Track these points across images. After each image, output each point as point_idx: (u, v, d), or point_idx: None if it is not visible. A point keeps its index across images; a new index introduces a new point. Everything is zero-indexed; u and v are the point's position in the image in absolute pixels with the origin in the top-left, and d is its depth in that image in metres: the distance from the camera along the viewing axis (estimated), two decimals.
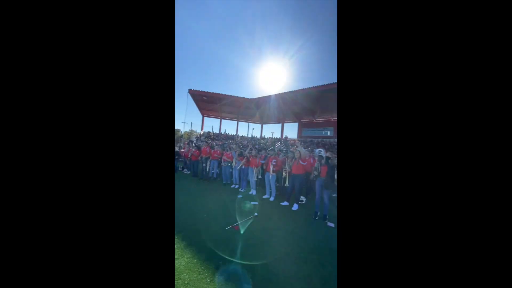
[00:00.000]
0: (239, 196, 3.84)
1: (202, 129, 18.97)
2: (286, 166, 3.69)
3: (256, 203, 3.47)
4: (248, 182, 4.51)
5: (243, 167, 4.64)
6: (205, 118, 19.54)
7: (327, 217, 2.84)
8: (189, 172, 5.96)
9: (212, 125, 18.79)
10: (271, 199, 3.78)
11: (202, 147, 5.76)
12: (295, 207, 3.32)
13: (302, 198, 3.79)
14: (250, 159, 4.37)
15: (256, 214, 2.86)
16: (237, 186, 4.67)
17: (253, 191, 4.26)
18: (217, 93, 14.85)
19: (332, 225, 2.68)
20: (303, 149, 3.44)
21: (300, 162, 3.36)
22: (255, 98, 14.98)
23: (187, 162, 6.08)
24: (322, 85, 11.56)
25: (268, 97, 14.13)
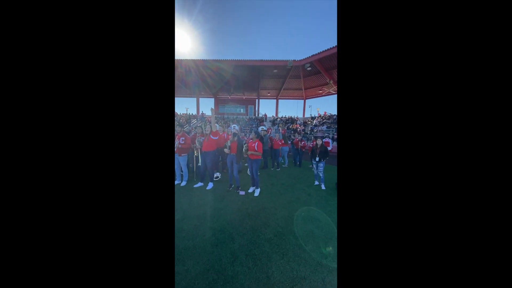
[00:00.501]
0: None
1: None
2: (196, 143, 3.23)
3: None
4: None
5: None
6: None
7: (239, 187, 3.00)
8: None
9: None
10: (183, 183, 3.24)
11: None
12: (209, 186, 3.12)
13: (217, 174, 3.68)
14: None
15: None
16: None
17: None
18: None
19: (243, 193, 2.87)
20: (215, 123, 3.09)
21: (211, 137, 3.04)
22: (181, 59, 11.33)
23: None
24: (237, 59, 11.38)
25: (186, 61, 11.35)
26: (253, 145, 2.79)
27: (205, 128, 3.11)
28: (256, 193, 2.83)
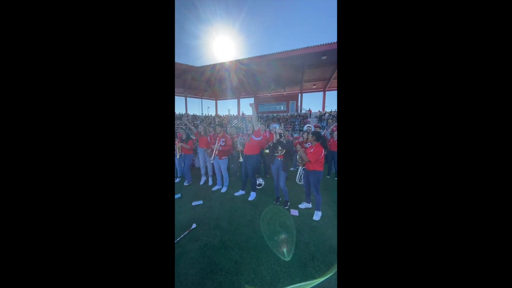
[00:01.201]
0: (177, 195, 2.73)
1: None
2: (238, 145, 2.79)
3: (200, 202, 2.51)
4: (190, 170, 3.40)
5: (182, 153, 3.41)
6: None
7: (288, 203, 2.30)
8: None
9: None
10: (223, 189, 2.91)
11: None
12: (252, 196, 2.62)
13: (260, 181, 3.14)
14: (199, 138, 3.18)
15: (194, 225, 1.92)
16: (177, 180, 3.48)
17: (207, 178, 3.26)
18: None
19: (295, 213, 2.16)
20: (257, 121, 2.50)
21: (253, 137, 2.49)
22: (202, 67, 12.39)
23: None
24: (276, 52, 10.62)
25: (220, 64, 11.95)
26: (310, 150, 2.00)
27: (246, 128, 2.59)
28: (316, 217, 2.04)
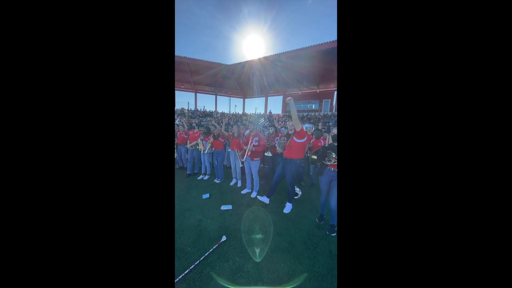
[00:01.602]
0: (205, 195, 2.57)
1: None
2: (277, 146, 2.41)
3: (229, 207, 2.26)
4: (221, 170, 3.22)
5: (213, 149, 3.27)
6: (176, 91, 16.48)
7: (335, 229, 1.78)
8: None
9: (187, 101, 15.56)
10: (253, 194, 2.61)
11: None
12: (287, 208, 2.22)
13: (297, 190, 2.70)
14: (231, 140, 3.01)
15: (224, 238, 1.65)
16: (206, 177, 3.38)
17: (237, 181, 3.06)
18: (185, 57, 11.86)
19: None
20: (298, 120, 2.02)
21: (295, 139, 2.05)
22: (233, 64, 12.50)
23: None
24: (310, 46, 9.74)
25: (250, 62, 11.82)
26: None
27: (289, 128, 2.17)
28: None
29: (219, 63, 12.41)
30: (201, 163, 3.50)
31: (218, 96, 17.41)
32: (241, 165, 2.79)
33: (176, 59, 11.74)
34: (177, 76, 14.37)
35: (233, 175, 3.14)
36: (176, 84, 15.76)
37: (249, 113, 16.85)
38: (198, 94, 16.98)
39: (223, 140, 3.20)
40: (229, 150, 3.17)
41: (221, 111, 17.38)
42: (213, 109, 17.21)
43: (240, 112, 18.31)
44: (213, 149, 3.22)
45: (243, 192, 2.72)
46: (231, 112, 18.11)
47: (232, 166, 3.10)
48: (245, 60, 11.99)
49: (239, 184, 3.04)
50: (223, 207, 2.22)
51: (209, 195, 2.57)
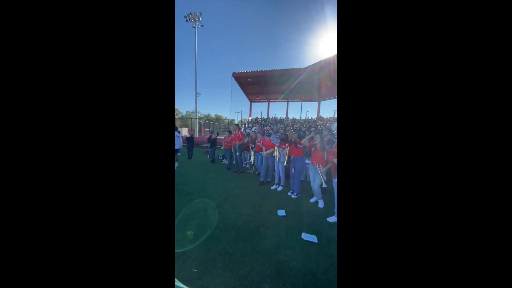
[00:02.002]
0: (280, 212, 2.18)
1: (250, 115, 18.26)
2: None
3: (314, 238, 1.68)
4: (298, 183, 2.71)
5: (291, 157, 2.87)
6: (252, 104, 18.71)
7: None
8: (227, 162, 5.03)
9: (261, 111, 17.22)
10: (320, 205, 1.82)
11: (234, 133, 4.47)
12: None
13: None
14: (313, 152, 2.55)
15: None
16: (280, 188, 3.03)
17: (317, 201, 2.48)
18: (262, 70, 13.04)
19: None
20: None
21: None
22: (307, 67, 11.76)
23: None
24: None
25: (325, 60, 10.50)
26: None
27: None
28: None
29: (294, 68, 12.26)
30: (274, 171, 3.24)
31: (289, 103, 17.31)
32: (324, 185, 2.13)
33: (255, 73, 13.29)
34: (255, 89, 16.19)
35: (315, 194, 2.50)
36: (252, 96, 17.90)
37: (325, 117, 14.88)
38: (270, 103, 18.09)
39: (301, 146, 2.70)
40: (307, 161, 2.61)
41: (292, 117, 17.04)
42: (284, 116, 17.30)
43: (314, 117, 16.72)
44: (292, 157, 2.81)
45: (330, 220, 2.01)
46: (302, 118, 17.14)
47: (312, 184, 2.48)
48: (320, 60, 10.83)
49: (320, 205, 2.36)
50: (305, 237, 1.69)
51: (285, 212, 2.16)
